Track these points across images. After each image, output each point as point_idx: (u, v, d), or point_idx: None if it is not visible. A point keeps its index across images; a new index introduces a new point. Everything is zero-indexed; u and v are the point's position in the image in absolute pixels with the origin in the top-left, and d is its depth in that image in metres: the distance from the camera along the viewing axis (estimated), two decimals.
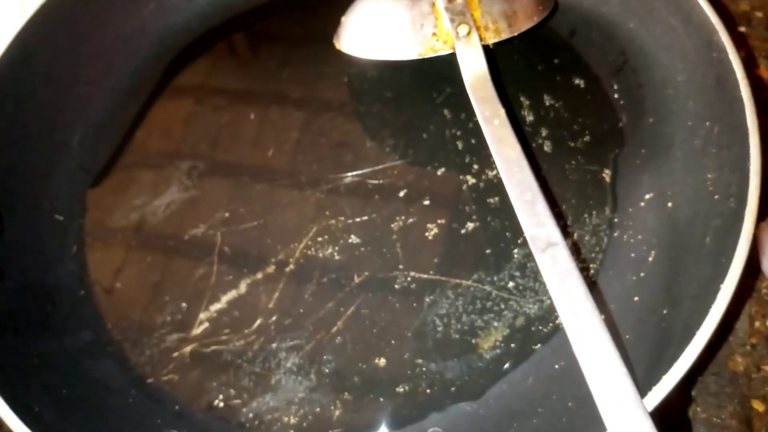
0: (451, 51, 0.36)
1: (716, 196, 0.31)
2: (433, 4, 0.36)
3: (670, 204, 0.34)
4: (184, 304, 0.35)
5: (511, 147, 0.31)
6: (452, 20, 0.35)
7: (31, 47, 0.38)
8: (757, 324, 0.36)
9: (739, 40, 0.44)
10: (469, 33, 0.35)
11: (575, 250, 0.34)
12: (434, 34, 0.36)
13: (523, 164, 0.31)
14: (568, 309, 0.27)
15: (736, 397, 0.34)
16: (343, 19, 0.39)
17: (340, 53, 0.40)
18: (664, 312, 0.30)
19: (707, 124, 0.34)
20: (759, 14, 0.46)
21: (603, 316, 0.26)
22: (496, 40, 0.36)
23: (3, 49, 0.37)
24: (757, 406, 0.33)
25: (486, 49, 0.35)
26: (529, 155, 0.32)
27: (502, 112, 0.33)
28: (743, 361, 0.35)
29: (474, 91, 0.34)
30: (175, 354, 0.34)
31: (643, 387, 0.25)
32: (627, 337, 0.31)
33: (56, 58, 0.40)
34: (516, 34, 0.36)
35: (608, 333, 0.26)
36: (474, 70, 0.34)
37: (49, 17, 0.39)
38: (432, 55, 0.36)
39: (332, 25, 0.41)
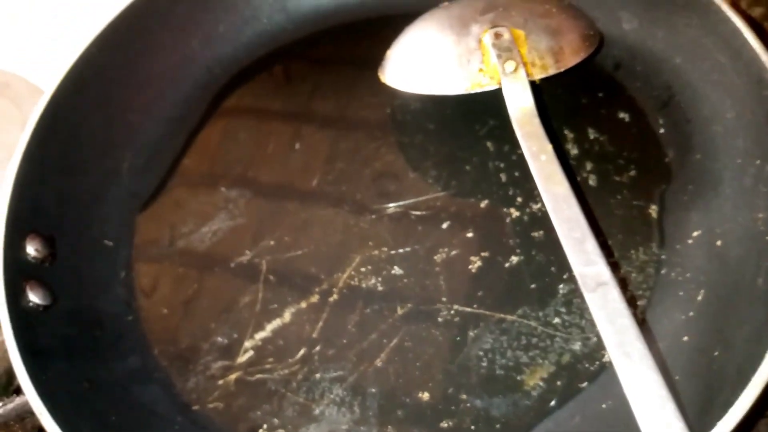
0: (497, 86, 0.36)
1: None
2: (480, 40, 0.36)
3: (719, 242, 0.34)
4: (229, 332, 0.36)
5: (559, 183, 0.32)
6: (499, 56, 0.35)
7: (85, 77, 0.40)
8: None
9: None
10: (516, 69, 0.35)
11: (622, 286, 0.34)
12: (481, 69, 0.36)
13: (572, 201, 0.31)
14: (619, 350, 0.27)
15: None
16: (389, 52, 0.40)
17: (383, 84, 0.40)
18: (716, 354, 0.30)
19: (758, 162, 0.33)
20: None
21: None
22: (543, 76, 0.36)
23: (60, 78, 0.38)
24: None
25: (532, 84, 0.36)
26: (577, 191, 0.32)
27: (549, 147, 0.33)
28: None
29: (520, 127, 0.34)
30: (221, 382, 0.34)
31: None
32: (677, 377, 0.30)
33: (109, 87, 0.41)
34: (563, 70, 0.36)
35: (661, 376, 0.26)
36: (520, 106, 0.35)
37: (103, 47, 0.40)
38: (479, 90, 0.36)
39: (379, 56, 0.41)
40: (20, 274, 0.34)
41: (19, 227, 0.35)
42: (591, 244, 0.29)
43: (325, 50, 0.46)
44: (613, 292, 0.28)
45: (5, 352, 0.40)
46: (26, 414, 0.36)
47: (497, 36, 0.35)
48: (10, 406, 0.36)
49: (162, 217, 0.40)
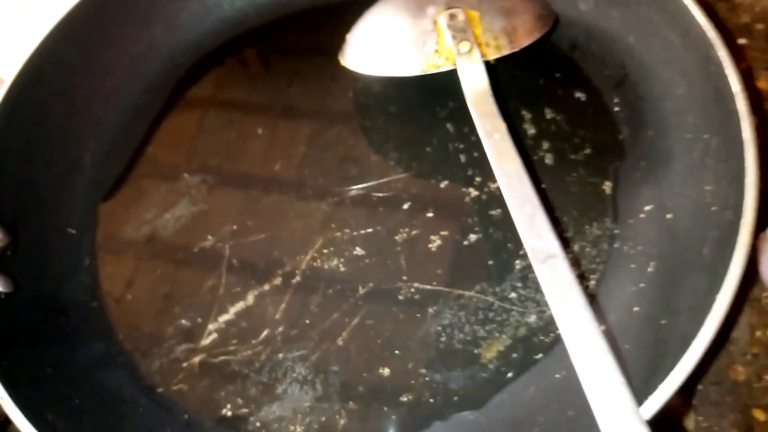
0: (453, 67, 0.36)
1: (714, 208, 0.32)
2: (435, 22, 0.36)
3: (669, 215, 0.34)
4: (193, 316, 0.36)
5: (512, 160, 0.32)
6: (454, 37, 0.36)
7: (45, 66, 0.40)
8: (758, 334, 0.36)
9: (738, 53, 0.44)
10: (470, 50, 0.36)
11: (576, 261, 0.35)
12: (436, 50, 0.36)
13: (523, 178, 0.31)
14: (567, 320, 0.28)
15: (737, 407, 0.34)
16: (348, 36, 0.40)
17: (345, 69, 0.41)
18: (663, 322, 0.31)
19: (706, 136, 0.34)
20: (759, 26, 0.47)
21: (603, 327, 0.27)
22: (498, 56, 0.37)
23: (18, 68, 0.38)
24: (759, 415, 0.34)
25: (487, 64, 0.36)
26: (530, 168, 0.33)
27: (502, 126, 0.34)
28: (744, 370, 0.35)
29: (475, 106, 0.34)
30: (185, 364, 0.35)
31: (640, 396, 0.26)
32: (626, 347, 0.31)
33: (70, 76, 0.41)
34: (517, 49, 0.37)
35: (606, 343, 0.27)
36: (475, 86, 0.35)
37: (62, 37, 0.40)
38: (434, 71, 0.37)
39: (339, 41, 0.42)
40: None
41: None
42: (541, 219, 0.30)
43: (287, 36, 0.46)
44: (562, 264, 0.29)
45: None
46: None
47: (452, 17, 0.36)
48: None
49: (126, 204, 0.40)
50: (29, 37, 0.56)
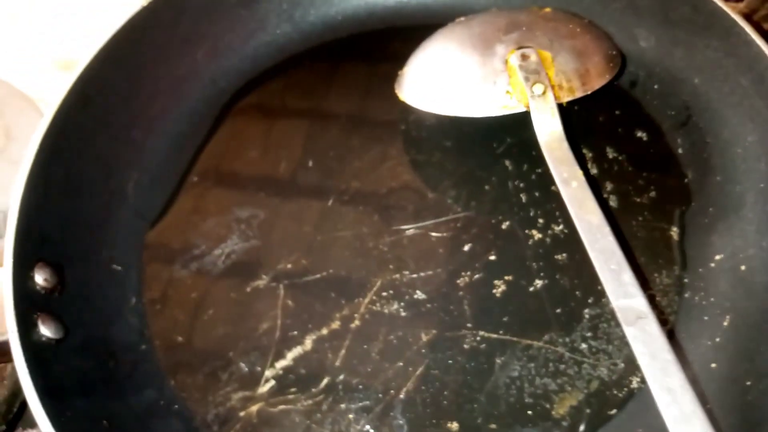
0: (524, 109, 0.35)
1: None
2: (507, 61, 0.35)
3: (743, 267, 0.34)
4: (249, 360, 0.35)
5: (592, 212, 0.31)
6: (527, 79, 0.35)
7: (88, 93, 0.38)
8: None
9: None
10: (544, 92, 0.34)
11: None
12: (507, 92, 0.35)
13: (606, 231, 0.31)
14: (661, 386, 0.27)
15: None
16: (406, 69, 0.39)
17: (397, 98, 0.39)
18: (748, 384, 0.30)
19: None
20: None
21: (708, 405, 0.26)
22: (570, 98, 0.36)
23: (62, 96, 0.37)
24: None
25: (560, 107, 0.35)
26: (607, 216, 0.32)
27: (579, 173, 0.33)
28: None
29: (549, 152, 0.33)
30: (242, 413, 0.33)
31: None
32: (709, 406, 0.30)
33: (113, 103, 0.39)
34: (589, 92, 0.36)
35: (704, 413, 0.26)
36: (549, 131, 0.34)
37: (105, 62, 0.38)
38: (505, 113, 0.36)
39: (387, 68, 0.41)
40: (31, 306, 0.32)
41: (26, 257, 0.33)
42: (628, 276, 0.29)
43: (333, 62, 0.45)
44: (653, 326, 0.28)
45: (4, 379, 0.39)
46: None
47: (524, 57, 0.35)
48: None
49: (172, 239, 0.39)
50: (29, 38, 0.55)
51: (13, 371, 0.37)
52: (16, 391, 0.38)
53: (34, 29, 0.57)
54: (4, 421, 0.38)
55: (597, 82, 0.36)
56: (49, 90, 0.37)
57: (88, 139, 0.38)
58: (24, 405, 0.37)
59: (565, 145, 0.33)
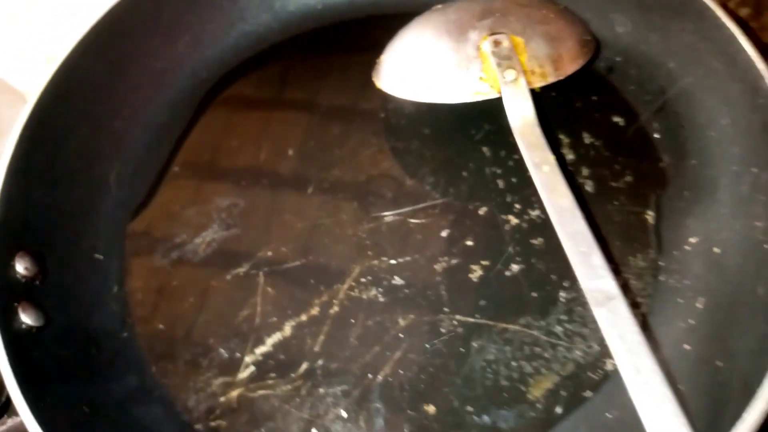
0: (497, 95, 0.36)
1: (767, 245, 0.31)
2: (479, 47, 0.36)
3: (717, 250, 0.34)
4: (229, 347, 0.35)
5: (563, 196, 0.32)
6: (499, 64, 0.35)
7: (69, 84, 0.38)
8: None
9: None
10: (516, 78, 0.35)
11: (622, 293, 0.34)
12: (481, 78, 0.35)
13: (577, 214, 0.31)
14: (630, 366, 0.27)
15: None
16: (382, 57, 0.39)
17: (375, 87, 0.40)
18: (719, 364, 0.30)
19: (754, 170, 0.34)
20: None
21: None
22: (543, 84, 0.36)
23: (42, 87, 0.37)
24: None
25: (532, 93, 0.35)
26: (578, 199, 0.32)
27: (551, 158, 0.33)
28: None
29: (522, 137, 0.34)
30: (222, 399, 0.34)
31: None
32: (680, 387, 0.31)
33: (94, 93, 0.40)
34: (562, 78, 0.36)
35: (671, 393, 0.26)
36: (522, 116, 0.34)
37: (86, 53, 0.39)
38: (478, 99, 0.36)
39: (366, 57, 0.41)
40: (11, 294, 0.33)
41: (7, 245, 0.34)
42: (597, 258, 0.30)
43: (313, 52, 0.45)
44: (622, 307, 0.28)
45: None
46: None
47: (497, 43, 0.35)
48: (2, 429, 0.35)
49: (153, 228, 0.39)
50: (29, 38, 0.55)
51: None
52: (2, 382, 0.38)
53: (24, 24, 0.57)
54: None
55: (570, 68, 0.36)
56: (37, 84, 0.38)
57: (70, 129, 0.38)
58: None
59: (538, 130, 0.34)
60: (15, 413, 0.37)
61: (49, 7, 0.57)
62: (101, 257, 0.38)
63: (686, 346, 0.32)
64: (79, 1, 0.55)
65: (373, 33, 0.44)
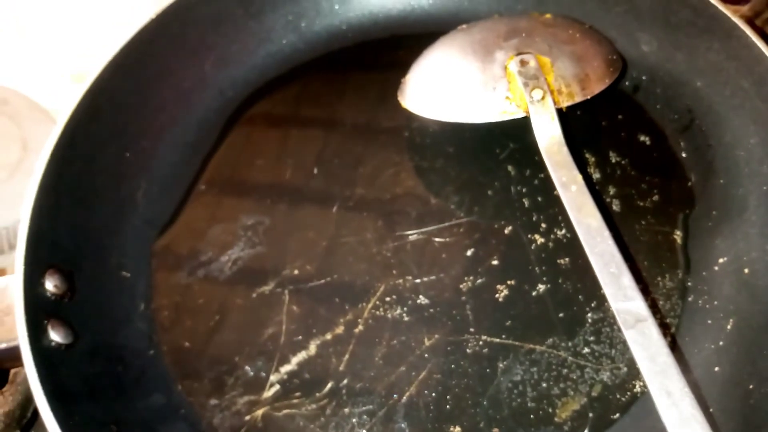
0: (524, 115, 0.36)
1: None
2: (506, 67, 0.36)
3: (746, 270, 0.34)
4: (254, 365, 0.35)
5: (592, 216, 0.31)
6: (526, 84, 0.35)
7: (98, 104, 0.39)
8: None
9: None
10: (543, 97, 0.35)
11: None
12: (507, 97, 0.36)
13: (606, 234, 0.31)
14: (660, 389, 0.27)
15: None
16: (408, 77, 0.39)
17: (400, 106, 0.40)
18: (751, 387, 0.30)
19: None
20: None
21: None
22: (570, 103, 0.36)
23: (73, 106, 0.37)
24: None
25: (559, 112, 0.35)
26: (606, 219, 0.32)
27: (579, 178, 0.33)
28: None
29: (549, 157, 0.34)
30: (247, 417, 0.34)
31: None
32: (711, 410, 0.30)
33: (122, 113, 0.40)
34: (589, 97, 0.36)
35: (703, 416, 0.26)
36: (549, 135, 0.34)
37: (114, 74, 0.39)
38: (505, 118, 0.36)
39: (392, 76, 0.41)
40: (41, 312, 0.33)
41: (37, 263, 0.34)
42: (627, 279, 0.29)
43: (339, 71, 0.45)
44: (652, 329, 0.28)
45: (19, 385, 0.39)
46: None
47: (523, 63, 0.35)
48: None
49: (180, 246, 0.39)
50: (54, 56, 0.56)
51: (26, 376, 0.38)
52: (30, 396, 0.39)
53: (51, 43, 0.58)
54: (19, 426, 0.39)
55: (597, 87, 0.36)
56: (65, 102, 0.39)
57: (99, 148, 0.39)
58: (38, 410, 0.38)
59: (565, 149, 0.34)
60: (43, 430, 0.37)
61: (73, 26, 0.58)
62: (128, 275, 0.38)
63: (716, 368, 0.32)
64: (102, 19, 0.57)
65: (397, 53, 0.44)
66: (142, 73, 0.41)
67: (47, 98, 0.54)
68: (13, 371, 0.39)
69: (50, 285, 0.34)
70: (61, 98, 0.53)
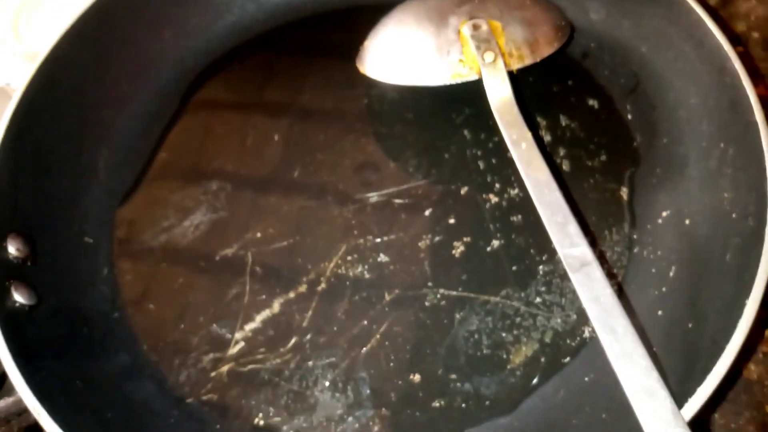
0: (476, 77, 0.37)
1: (734, 215, 0.33)
2: (459, 31, 0.37)
3: (687, 221, 0.36)
4: (219, 324, 0.36)
5: (540, 169, 0.33)
6: (478, 47, 0.36)
7: (56, 73, 0.39)
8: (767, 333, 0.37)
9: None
10: (494, 60, 0.36)
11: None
12: (460, 60, 0.37)
13: (553, 186, 0.32)
14: (604, 326, 0.28)
15: (751, 404, 0.36)
16: (366, 43, 0.40)
17: (359, 74, 0.41)
18: (690, 326, 0.32)
19: (721, 145, 0.35)
20: (756, 35, 0.48)
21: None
22: (520, 66, 0.37)
23: (30, 75, 0.38)
24: None
25: (510, 74, 0.37)
26: (555, 176, 0.34)
27: (528, 135, 0.34)
28: (756, 369, 0.36)
29: (500, 116, 0.35)
30: (213, 374, 0.35)
31: (679, 400, 0.27)
32: (654, 350, 0.32)
33: (81, 83, 0.40)
34: (538, 60, 0.38)
35: (644, 349, 0.28)
36: (500, 96, 0.36)
37: (73, 43, 0.39)
38: (458, 81, 0.37)
39: (351, 46, 0.42)
40: (4, 274, 0.33)
41: None
42: (573, 227, 0.31)
43: (298, 41, 0.46)
44: (596, 272, 0.30)
45: None
46: (12, 416, 0.35)
47: (475, 27, 0.36)
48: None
49: (142, 212, 0.40)
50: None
51: None
52: None
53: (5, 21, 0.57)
54: None
55: (545, 51, 0.38)
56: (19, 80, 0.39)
57: (58, 118, 0.39)
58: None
59: (515, 109, 0.35)
60: (8, 394, 0.38)
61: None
62: (91, 240, 0.38)
63: (660, 312, 0.34)
64: None
65: (355, 22, 0.45)
66: (101, 42, 0.41)
67: (14, 77, 0.53)
68: None
69: (12, 249, 0.34)
70: (18, 72, 0.52)
